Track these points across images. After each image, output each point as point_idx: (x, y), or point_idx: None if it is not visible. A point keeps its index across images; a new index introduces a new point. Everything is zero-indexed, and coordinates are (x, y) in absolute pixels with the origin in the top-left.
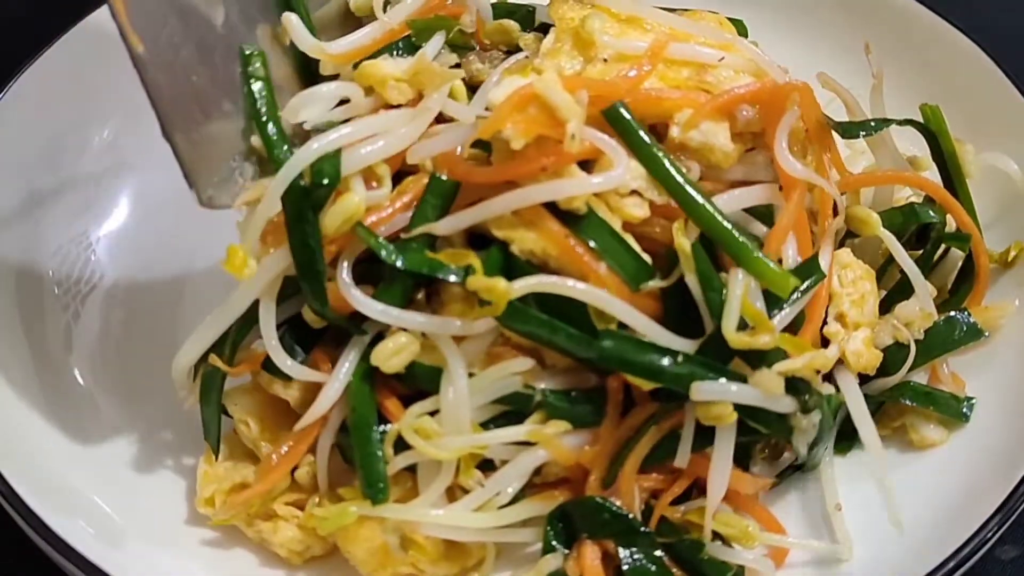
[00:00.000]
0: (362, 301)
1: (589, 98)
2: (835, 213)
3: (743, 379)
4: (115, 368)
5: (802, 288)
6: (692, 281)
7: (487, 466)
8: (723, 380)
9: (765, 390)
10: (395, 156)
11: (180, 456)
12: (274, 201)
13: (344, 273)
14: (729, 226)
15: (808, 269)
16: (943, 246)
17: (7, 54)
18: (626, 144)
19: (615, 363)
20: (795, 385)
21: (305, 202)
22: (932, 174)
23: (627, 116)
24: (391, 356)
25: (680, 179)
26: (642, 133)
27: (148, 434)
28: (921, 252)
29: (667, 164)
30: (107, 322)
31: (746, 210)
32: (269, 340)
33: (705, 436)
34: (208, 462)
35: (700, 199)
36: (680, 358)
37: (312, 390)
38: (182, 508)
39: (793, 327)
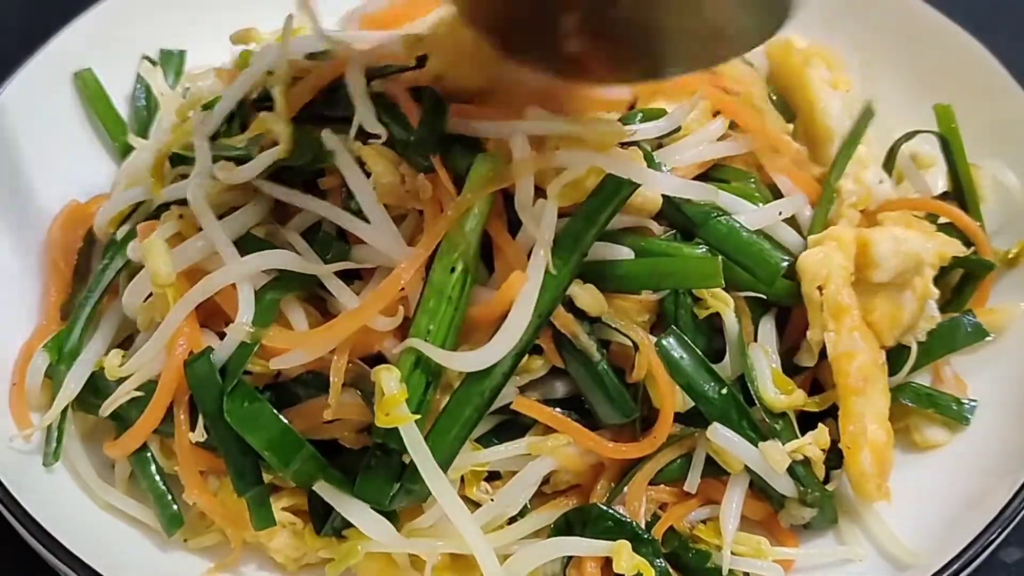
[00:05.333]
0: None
1: None
2: None
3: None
4: None
5: None
6: (730, 320)
7: (493, 474)
8: (738, 436)
9: (769, 460)
10: None
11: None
12: None
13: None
14: None
15: None
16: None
17: None
18: None
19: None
20: (796, 472)
21: None
22: (934, 171)
23: None
24: None
25: None
26: None
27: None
28: None
29: None
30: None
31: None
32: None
33: (717, 463)
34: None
35: None
36: (724, 390)
37: None
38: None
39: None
